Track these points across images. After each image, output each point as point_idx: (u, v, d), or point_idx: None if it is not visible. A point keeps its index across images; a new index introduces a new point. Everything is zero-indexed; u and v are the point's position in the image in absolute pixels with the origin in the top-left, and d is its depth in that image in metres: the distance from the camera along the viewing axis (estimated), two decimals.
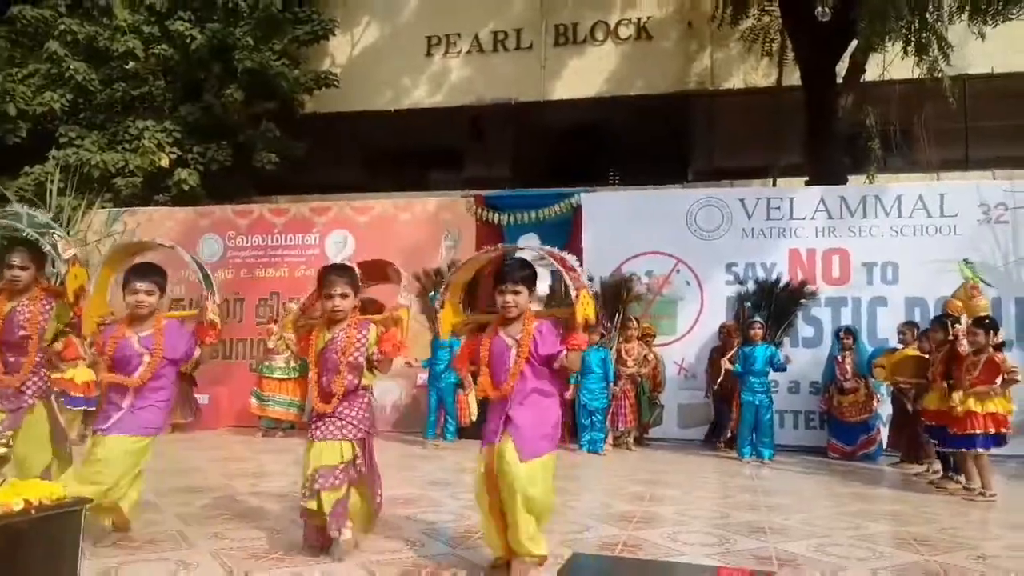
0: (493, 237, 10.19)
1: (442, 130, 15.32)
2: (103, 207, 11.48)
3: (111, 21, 12.91)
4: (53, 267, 4.54)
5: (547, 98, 14.68)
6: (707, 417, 8.82)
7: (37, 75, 12.74)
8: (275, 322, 9.35)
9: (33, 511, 2.85)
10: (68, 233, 10.56)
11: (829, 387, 8.21)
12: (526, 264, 3.59)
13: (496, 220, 10.11)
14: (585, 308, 3.39)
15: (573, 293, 3.42)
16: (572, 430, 8.18)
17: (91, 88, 12.79)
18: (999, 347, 6.05)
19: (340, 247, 10.41)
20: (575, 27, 14.73)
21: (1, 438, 3.84)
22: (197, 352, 4.05)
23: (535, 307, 3.71)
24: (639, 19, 14.46)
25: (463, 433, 8.51)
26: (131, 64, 12.64)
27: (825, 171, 10.87)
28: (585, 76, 14.55)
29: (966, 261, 7.15)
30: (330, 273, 3.85)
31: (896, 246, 8.73)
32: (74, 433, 8.08)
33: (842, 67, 11.56)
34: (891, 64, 11.65)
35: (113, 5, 12.88)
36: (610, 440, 8.28)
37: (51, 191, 10.93)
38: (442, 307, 3.78)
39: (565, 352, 3.42)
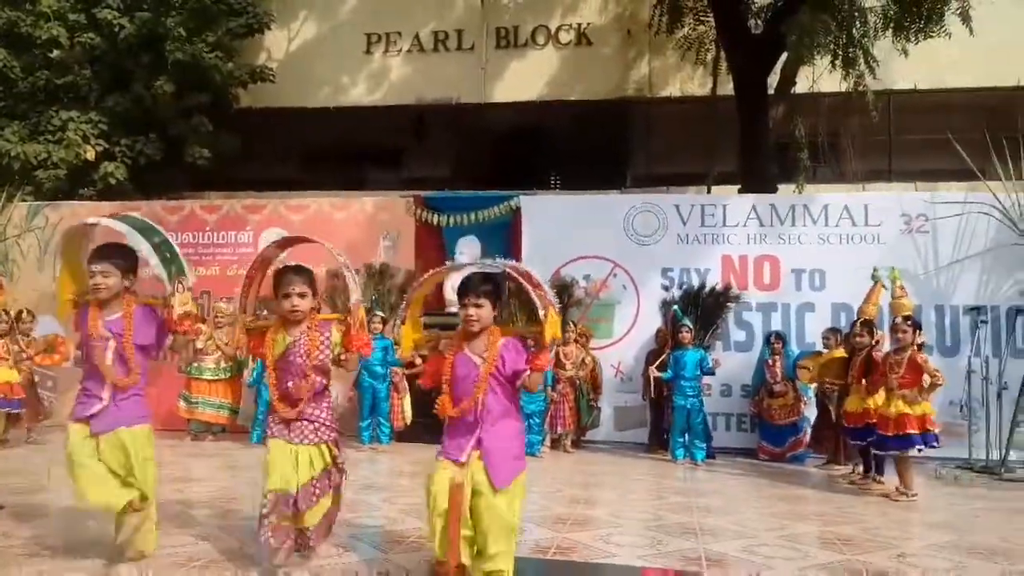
0: (432, 238, 10.13)
1: (382, 129, 15.17)
2: (24, 200, 10.95)
3: (34, 7, 12.34)
4: None
5: (488, 100, 14.69)
6: (643, 420, 8.94)
7: None
8: (204, 321, 9.05)
9: None
10: None
11: (759, 390, 8.42)
12: (489, 277, 3.49)
13: (435, 221, 10.02)
14: (553, 327, 3.33)
15: (541, 312, 3.33)
16: None
17: (12, 76, 12.22)
18: (920, 347, 6.30)
19: None
20: (516, 30, 14.79)
21: None
22: (169, 340, 3.84)
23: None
24: (579, 25, 14.61)
25: (399, 436, 8.46)
26: (55, 52, 12.13)
27: (757, 180, 11.17)
28: (526, 79, 14.61)
29: (875, 269, 7.46)
30: (288, 272, 3.72)
31: (823, 254, 9.01)
32: None
33: (774, 79, 11.90)
34: (820, 77, 12.05)
35: None
36: (547, 443, 8.31)
37: None
38: (403, 323, 3.68)
39: (529, 372, 3.36)
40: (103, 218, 3.88)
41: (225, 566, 3.67)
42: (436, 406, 3.49)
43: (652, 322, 9.04)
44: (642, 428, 8.92)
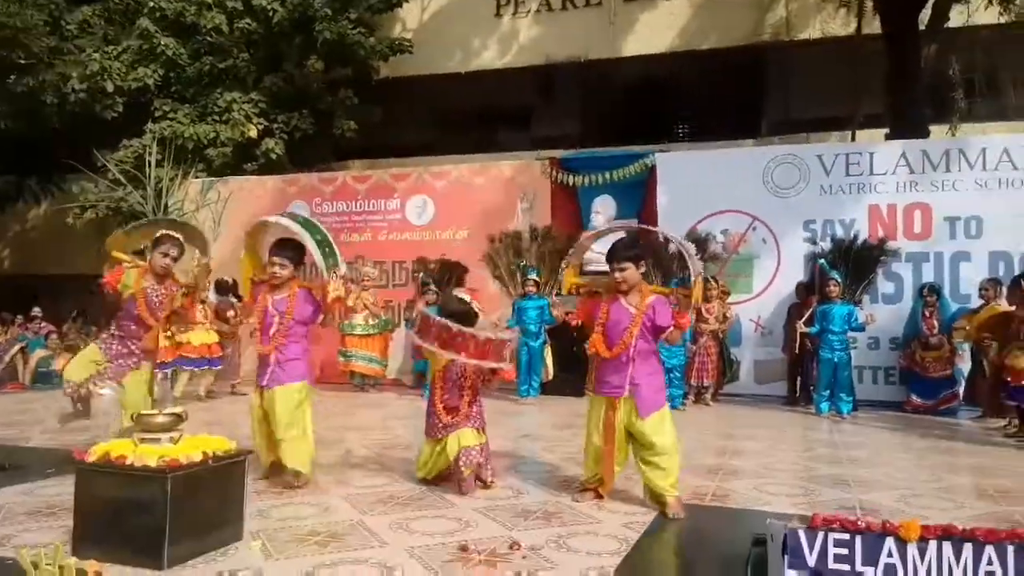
0: (567, 199, 10.42)
1: (512, 90, 15.49)
2: (197, 177, 12.12)
3: None
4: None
5: (617, 55, 14.64)
6: (782, 373, 8.99)
7: (130, 51, 13.29)
8: (354, 282, 9.72)
9: (210, 461, 3.35)
10: (167, 204, 11.29)
11: (911, 342, 8.27)
12: (632, 243, 4.23)
13: (571, 182, 10.29)
14: (698, 293, 4.15)
15: (693, 278, 4.18)
16: None
17: (180, 62, 13.32)
18: None
19: (420, 211, 10.86)
20: None
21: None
22: (321, 317, 4.68)
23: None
24: None
25: (543, 389, 8.93)
26: (217, 38, 13.13)
27: (906, 123, 10.68)
28: (656, 31, 14.45)
29: None
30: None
31: (980, 200, 8.62)
32: (201, 388, 8.80)
33: (924, 14, 11.23)
34: (976, 10, 11.26)
35: None
36: (691, 396, 8.53)
37: (149, 163, 11.62)
38: (567, 267, 4.55)
39: (672, 328, 4.07)
40: (281, 217, 4.88)
41: (423, 501, 4.22)
42: (588, 345, 4.21)
43: (793, 276, 9.01)
44: (781, 381, 8.99)
